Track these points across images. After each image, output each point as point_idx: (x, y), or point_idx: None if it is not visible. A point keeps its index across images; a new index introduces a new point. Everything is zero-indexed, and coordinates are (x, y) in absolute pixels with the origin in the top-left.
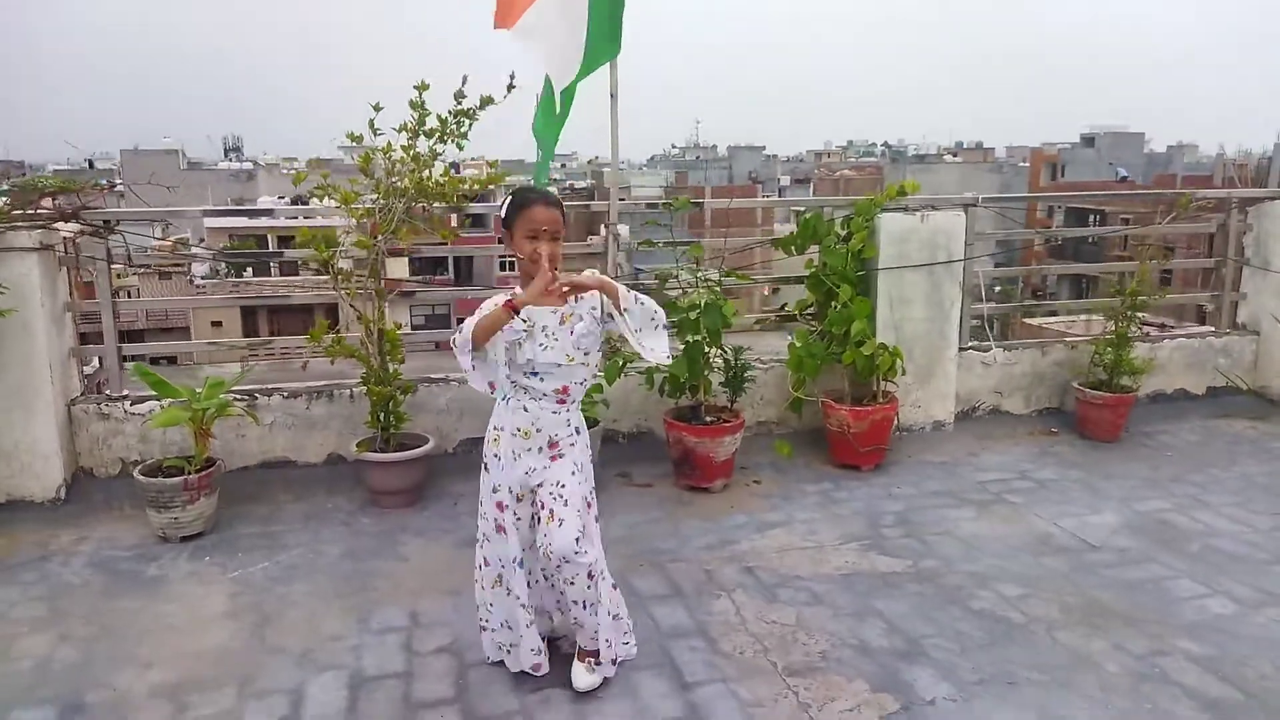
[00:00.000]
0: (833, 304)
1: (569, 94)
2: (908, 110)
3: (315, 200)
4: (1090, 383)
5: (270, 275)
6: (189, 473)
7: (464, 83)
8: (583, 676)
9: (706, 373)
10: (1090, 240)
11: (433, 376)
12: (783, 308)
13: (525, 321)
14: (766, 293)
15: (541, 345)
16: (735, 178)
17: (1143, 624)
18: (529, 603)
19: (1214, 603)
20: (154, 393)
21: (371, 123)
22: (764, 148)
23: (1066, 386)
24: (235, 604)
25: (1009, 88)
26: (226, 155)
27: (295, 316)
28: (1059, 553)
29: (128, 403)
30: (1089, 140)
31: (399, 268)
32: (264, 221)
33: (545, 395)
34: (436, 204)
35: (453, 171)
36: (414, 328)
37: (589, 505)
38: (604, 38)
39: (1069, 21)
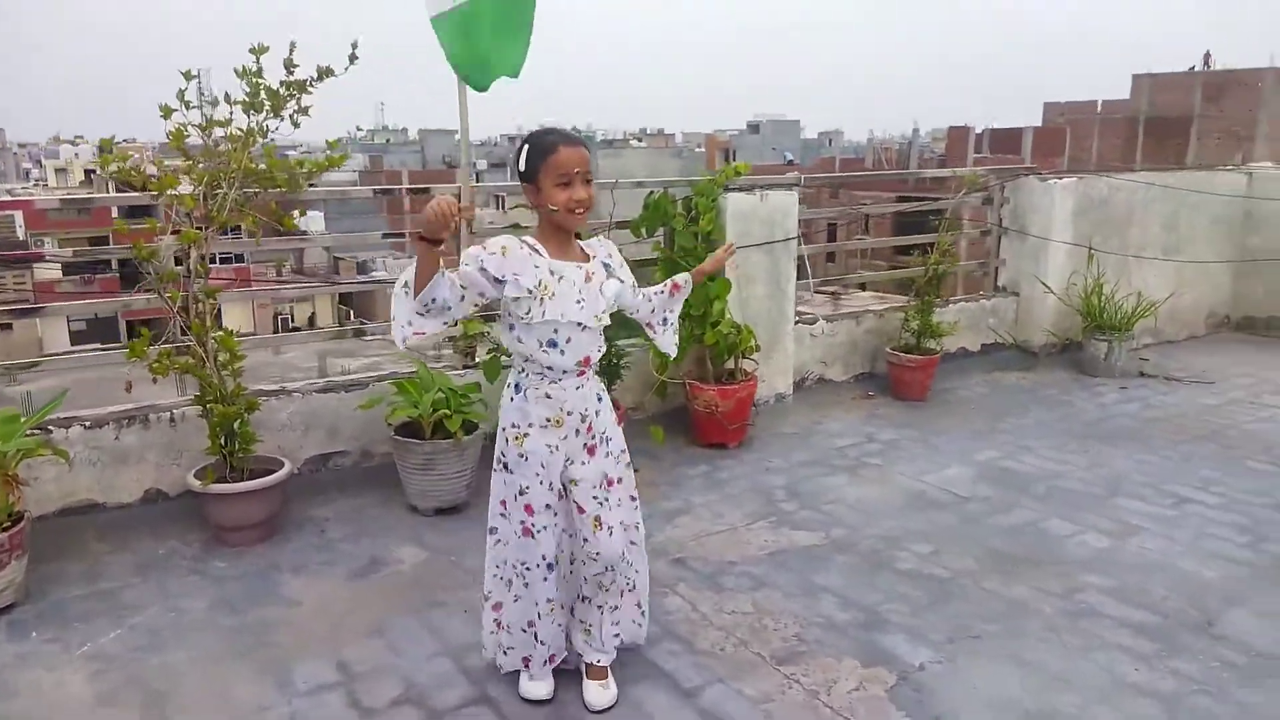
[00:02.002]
0: None
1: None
2: (592, 96)
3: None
4: (900, 347)
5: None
6: None
7: (291, 50)
8: (597, 694)
9: None
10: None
11: (265, 389)
12: None
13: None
14: None
15: (579, 302)
16: (429, 162)
17: (1045, 565)
18: (557, 598)
19: (1089, 539)
20: None
21: (182, 94)
22: (456, 132)
23: (877, 352)
24: (105, 686)
25: (683, 77)
26: None
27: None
28: (940, 507)
29: None
30: (755, 127)
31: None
32: None
33: (566, 371)
34: (273, 189)
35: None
36: (74, 337)
37: (634, 500)
38: None
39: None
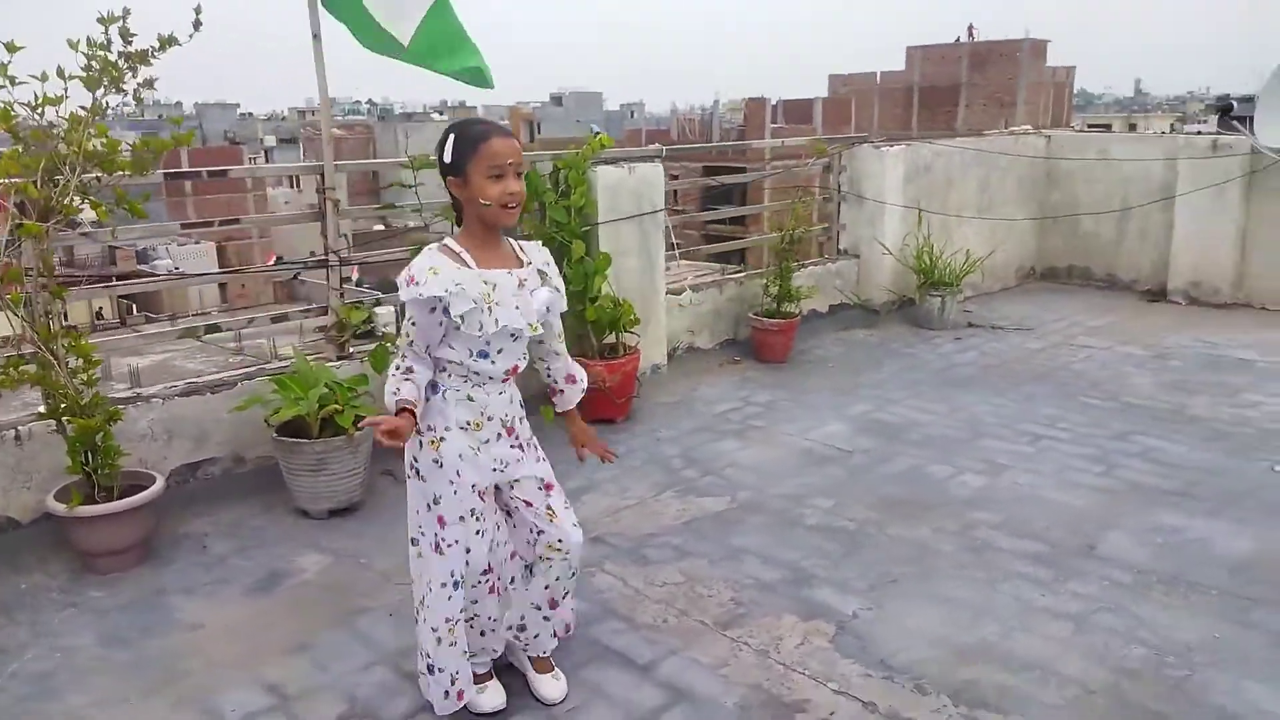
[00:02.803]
0: (565, 260)
1: None
2: (385, 68)
3: None
4: (763, 312)
5: None
6: None
7: (126, 15)
8: (552, 686)
9: None
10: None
11: (120, 396)
12: None
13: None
14: None
15: (517, 309)
16: (209, 138)
17: (936, 507)
18: (500, 617)
19: (968, 479)
20: None
21: (4, 68)
22: (238, 105)
23: (739, 318)
24: None
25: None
26: None
27: None
28: (830, 462)
29: None
30: (558, 99)
31: None
32: None
33: (492, 379)
34: (118, 174)
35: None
36: None
37: (567, 503)
38: None
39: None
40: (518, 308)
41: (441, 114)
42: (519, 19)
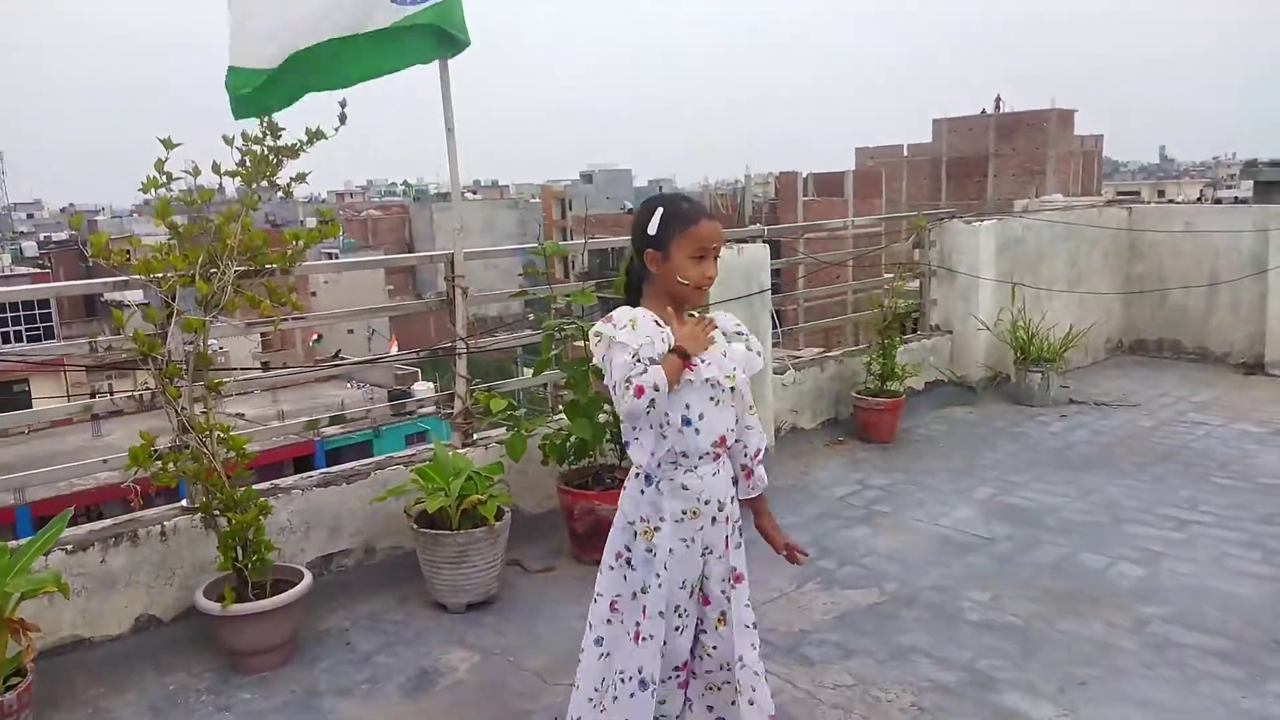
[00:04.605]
0: None
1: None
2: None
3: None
4: (866, 391)
5: None
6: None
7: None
8: None
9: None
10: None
11: (260, 488)
12: None
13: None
14: None
15: (710, 362)
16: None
17: (1103, 600)
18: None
19: (1124, 569)
20: None
21: (160, 164)
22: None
23: (839, 397)
24: None
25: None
26: None
27: None
28: (971, 550)
29: None
30: (588, 177)
31: None
32: None
33: (704, 455)
34: (268, 266)
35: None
36: None
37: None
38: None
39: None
40: (711, 362)
41: (475, 192)
42: (549, 97)
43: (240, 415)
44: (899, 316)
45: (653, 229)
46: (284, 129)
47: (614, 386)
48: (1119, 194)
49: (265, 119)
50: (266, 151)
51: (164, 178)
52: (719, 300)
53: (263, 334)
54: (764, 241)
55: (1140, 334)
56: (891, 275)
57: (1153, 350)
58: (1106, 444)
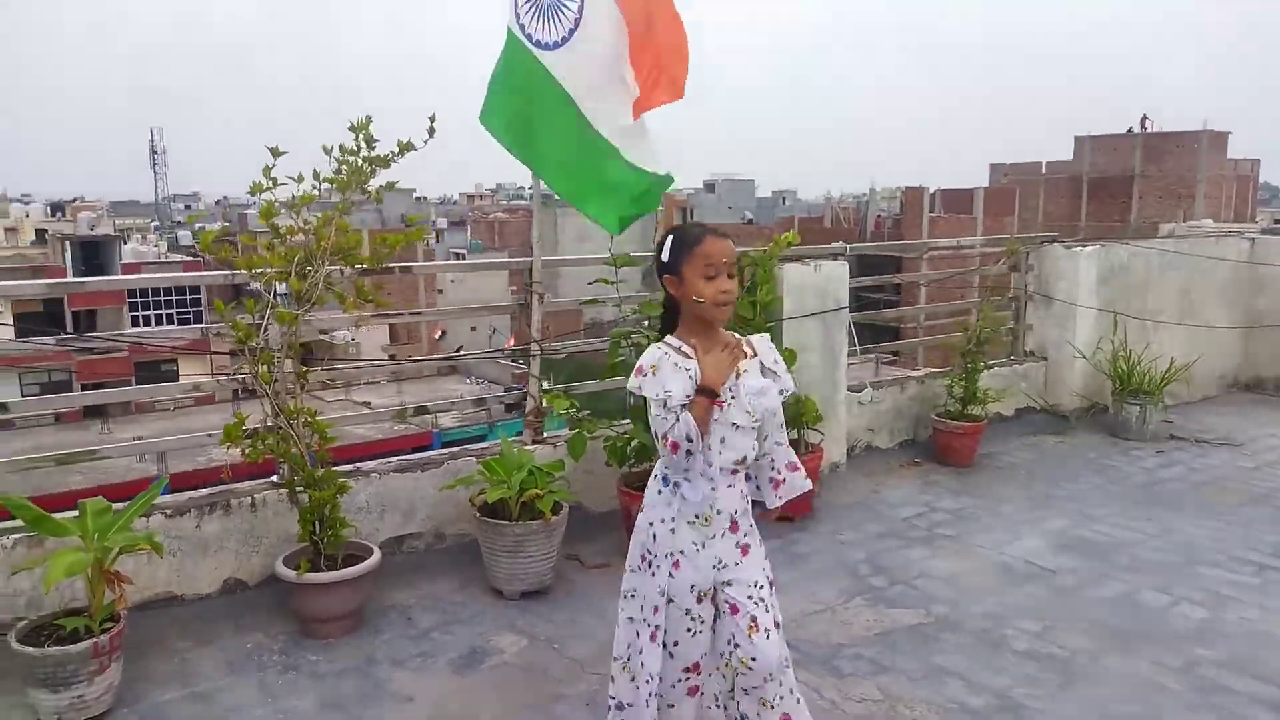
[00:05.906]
0: None
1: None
2: None
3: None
4: (946, 414)
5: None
6: (94, 632)
7: (368, 123)
8: None
9: None
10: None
11: (341, 469)
12: None
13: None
14: None
15: (732, 398)
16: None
17: (1156, 639)
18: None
19: (1186, 609)
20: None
21: (268, 170)
22: (414, 190)
23: (919, 419)
24: None
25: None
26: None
27: None
28: (1031, 580)
29: None
30: (710, 186)
31: None
32: None
33: (722, 469)
34: (358, 266)
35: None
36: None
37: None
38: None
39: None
40: (732, 398)
41: None
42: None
43: (367, 404)
44: (983, 341)
45: (666, 256)
46: (378, 140)
47: (655, 436)
48: (1276, 221)
49: (361, 132)
50: (362, 162)
51: (269, 182)
52: (794, 316)
53: (390, 326)
54: (843, 259)
55: (1258, 371)
56: (978, 299)
57: (1270, 389)
58: (1198, 483)
